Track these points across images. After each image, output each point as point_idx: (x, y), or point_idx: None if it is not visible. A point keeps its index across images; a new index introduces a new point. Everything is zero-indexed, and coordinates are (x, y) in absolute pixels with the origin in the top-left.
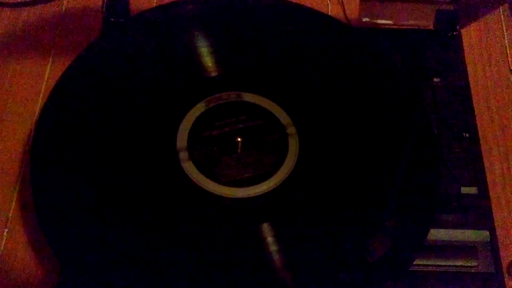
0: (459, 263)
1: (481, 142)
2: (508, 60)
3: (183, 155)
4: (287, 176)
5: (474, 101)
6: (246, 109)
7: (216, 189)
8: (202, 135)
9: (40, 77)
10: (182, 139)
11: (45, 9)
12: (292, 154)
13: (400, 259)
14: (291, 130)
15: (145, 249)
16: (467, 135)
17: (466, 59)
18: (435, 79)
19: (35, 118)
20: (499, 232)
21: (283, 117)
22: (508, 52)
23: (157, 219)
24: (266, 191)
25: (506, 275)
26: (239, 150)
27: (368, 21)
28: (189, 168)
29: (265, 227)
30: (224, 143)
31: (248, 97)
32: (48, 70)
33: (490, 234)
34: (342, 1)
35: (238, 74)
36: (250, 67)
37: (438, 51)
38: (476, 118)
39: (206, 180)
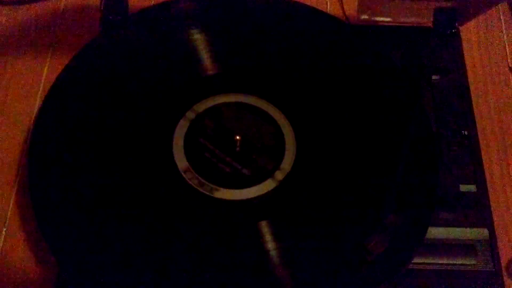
0: (458, 261)
1: (480, 139)
2: (507, 58)
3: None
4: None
5: (473, 98)
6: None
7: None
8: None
9: (38, 75)
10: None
11: (43, 7)
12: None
13: (398, 257)
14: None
15: (144, 248)
16: (466, 132)
17: (465, 56)
18: (434, 77)
19: (33, 116)
20: (498, 230)
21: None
22: (507, 49)
23: (155, 219)
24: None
25: (505, 273)
26: (238, 149)
27: (366, 18)
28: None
29: (263, 225)
30: (223, 141)
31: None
32: (46, 69)
33: (489, 232)
34: None
35: (236, 73)
36: (248, 65)
37: (437, 48)
38: (475, 116)
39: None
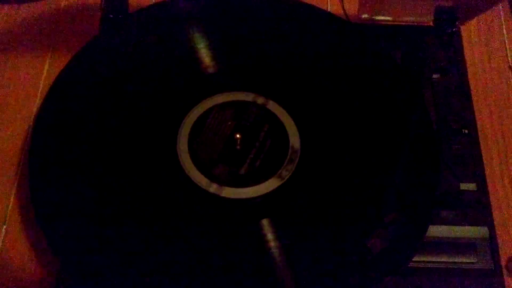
0: (458, 259)
1: (480, 138)
2: (507, 57)
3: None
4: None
5: (473, 97)
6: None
7: (216, 190)
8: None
9: (39, 74)
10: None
11: (44, 6)
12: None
13: (399, 256)
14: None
15: (145, 248)
16: (466, 131)
17: (465, 55)
18: (435, 76)
19: (33, 115)
20: (498, 228)
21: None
22: (507, 48)
23: (156, 218)
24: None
25: (505, 272)
26: (238, 148)
27: (367, 17)
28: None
29: (264, 224)
30: (225, 140)
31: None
32: (46, 67)
33: (489, 231)
34: None
35: (236, 71)
36: (248, 64)
37: (438, 47)
38: (475, 114)
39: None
